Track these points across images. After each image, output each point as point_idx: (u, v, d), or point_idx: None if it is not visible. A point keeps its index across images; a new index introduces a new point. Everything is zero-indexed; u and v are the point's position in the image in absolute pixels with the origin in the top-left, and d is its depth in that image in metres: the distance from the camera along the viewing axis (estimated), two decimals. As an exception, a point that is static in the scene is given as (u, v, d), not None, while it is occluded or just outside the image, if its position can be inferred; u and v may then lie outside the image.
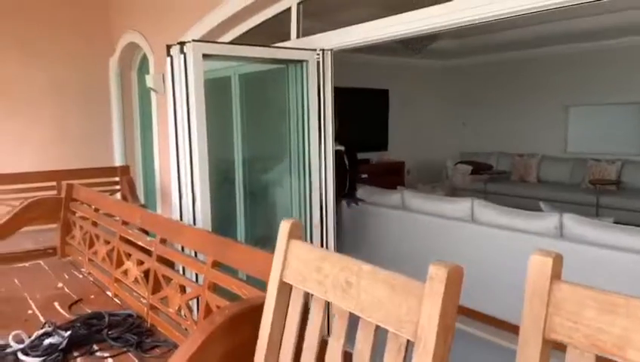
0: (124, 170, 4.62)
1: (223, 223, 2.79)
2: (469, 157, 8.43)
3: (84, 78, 5.61)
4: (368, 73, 7.80)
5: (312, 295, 1.10)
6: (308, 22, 3.26)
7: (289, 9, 3.11)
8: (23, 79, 5.24)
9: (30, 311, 2.26)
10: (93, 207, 2.91)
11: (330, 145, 3.09)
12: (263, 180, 3.46)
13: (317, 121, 3.08)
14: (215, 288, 1.70)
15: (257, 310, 1.20)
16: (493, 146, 8.32)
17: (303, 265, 1.13)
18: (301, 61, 2.97)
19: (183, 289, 1.87)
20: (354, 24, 2.76)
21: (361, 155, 7.94)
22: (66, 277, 2.80)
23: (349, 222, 4.31)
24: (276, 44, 3.11)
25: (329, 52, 2.96)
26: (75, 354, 1.82)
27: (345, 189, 4.24)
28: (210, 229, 2.46)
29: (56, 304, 2.34)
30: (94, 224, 2.83)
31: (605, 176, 6.75)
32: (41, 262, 3.11)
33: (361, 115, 7.92)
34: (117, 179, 4.63)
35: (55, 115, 5.45)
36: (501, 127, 8.24)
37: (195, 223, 2.50)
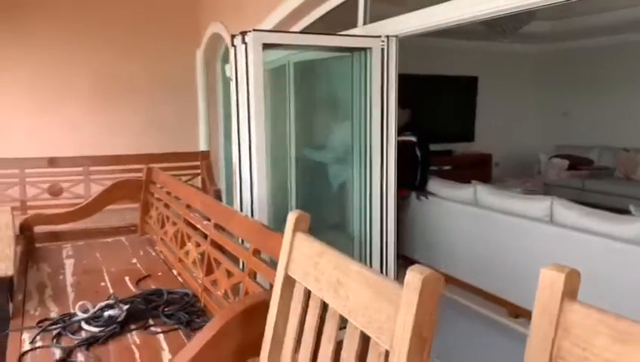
0: (205, 156, 4.85)
1: (280, 212, 2.82)
2: (566, 150, 7.75)
3: (175, 69, 5.96)
4: (456, 59, 7.44)
5: (310, 291, 1.06)
6: (385, 6, 3.14)
7: (357, -5, 3.03)
8: (124, 71, 5.70)
9: (103, 284, 2.46)
10: (165, 189, 3.09)
11: (392, 137, 2.97)
12: (320, 171, 3.44)
13: (379, 112, 2.94)
14: (256, 275, 1.73)
15: (264, 304, 1.18)
16: (595, 139, 7.58)
17: (305, 260, 1.09)
18: (365, 49, 2.86)
19: (229, 273, 1.92)
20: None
21: (443, 146, 7.70)
22: (141, 253, 3.00)
23: (419, 215, 4.17)
24: (342, 32, 3.05)
25: (394, 38, 2.81)
26: (132, 326, 1.94)
27: (416, 182, 4.10)
28: (265, 216, 2.50)
29: (126, 278, 2.52)
30: (166, 206, 3.01)
31: None
32: (122, 238, 3.38)
33: (446, 103, 7.61)
34: (198, 163, 4.88)
35: (149, 103, 5.85)
36: (605, 117, 7.47)
37: (252, 209, 2.55)
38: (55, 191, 4.44)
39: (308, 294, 1.12)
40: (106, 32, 5.52)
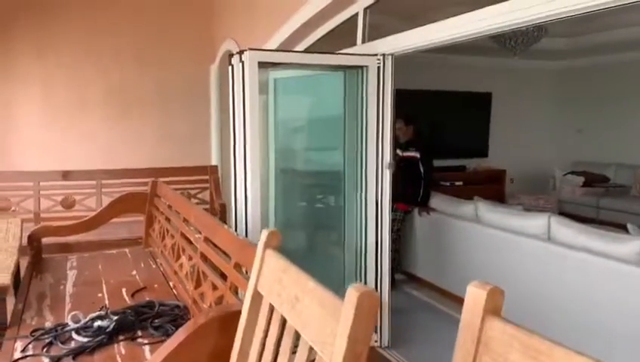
0: (213, 170, 4.93)
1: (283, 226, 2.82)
2: (582, 167, 7.63)
3: (189, 83, 6.09)
4: (470, 75, 7.43)
5: (274, 306, 1.08)
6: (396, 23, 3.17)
7: (356, 14, 3.08)
8: (137, 84, 5.84)
9: (100, 295, 2.51)
10: (167, 203, 3.15)
11: (388, 153, 2.99)
12: (319, 188, 3.46)
13: (375, 128, 2.97)
14: (237, 289, 1.75)
15: (238, 316, 1.20)
16: (612, 156, 7.44)
17: (271, 275, 1.12)
18: (361, 67, 2.91)
19: (214, 286, 1.95)
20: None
21: (456, 162, 7.66)
22: (142, 266, 3.06)
23: (421, 231, 4.15)
24: (340, 51, 3.10)
25: (390, 57, 2.87)
26: (120, 337, 1.98)
27: (418, 198, 4.09)
28: (259, 230, 2.53)
29: (123, 290, 2.57)
30: (167, 219, 3.07)
31: None
32: (126, 250, 3.45)
33: (460, 119, 7.58)
34: (207, 177, 4.96)
35: (163, 117, 5.98)
36: (622, 134, 7.33)
37: (246, 223, 2.59)
38: (68, 204, 4.56)
39: (272, 309, 1.14)
40: (120, 46, 5.69)
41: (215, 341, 1.21)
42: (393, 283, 4.24)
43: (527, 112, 8.02)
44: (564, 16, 1.87)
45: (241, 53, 2.49)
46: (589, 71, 7.64)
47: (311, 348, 0.93)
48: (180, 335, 1.20)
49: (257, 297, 1.16)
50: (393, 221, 4.17)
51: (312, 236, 3.51)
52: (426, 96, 7.11)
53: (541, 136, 8.10)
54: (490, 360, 0.68)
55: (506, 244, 3.25)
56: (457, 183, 7.11)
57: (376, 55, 2.88)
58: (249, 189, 2.53)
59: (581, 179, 7.23)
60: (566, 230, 2.89)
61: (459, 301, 3.71)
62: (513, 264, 3.18)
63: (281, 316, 1.05)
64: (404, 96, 6.81)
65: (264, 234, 1.19)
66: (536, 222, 3.05)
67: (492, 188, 7.39)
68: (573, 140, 8.01)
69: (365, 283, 3.08)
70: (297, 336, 0.98)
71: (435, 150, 7.04)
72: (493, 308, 0.71)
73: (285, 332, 1.01)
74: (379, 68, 2.88)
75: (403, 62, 2.98)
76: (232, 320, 1.23)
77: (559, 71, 8.01)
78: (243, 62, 2.46)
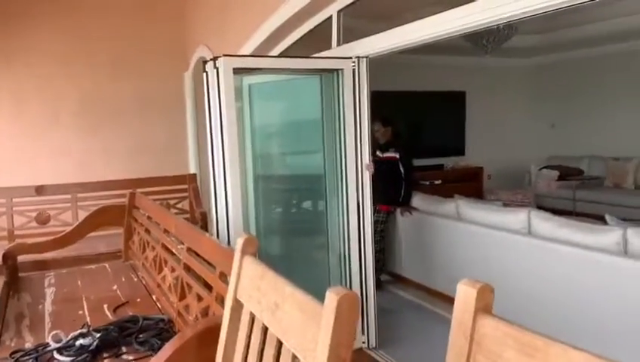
0: (192, 178, 4.87)
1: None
2: (557, 161, 7.79)
3: (164, 91, 6.02)
4: (443, 75, 7.53)
5: (254, 315, 1.06)
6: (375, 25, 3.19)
7: (330, 17, 3.09)
8: (111, 94, 5.74)
9: (80, 312, 2.45)
10: (146, 214, 3.09)
11: (366, 154, 3.01)
12: (302, 192, 3.45)
13: (353, 129, 2.97)
14: (223, 299, 1.72)
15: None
16: (585, 149, 7.62)
17: (250, 283, 1.10)
18: (336, 70, 2.92)
19: (199, 297, 1.92)
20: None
21: (434, 161, 7.74)
22: (123, 280, 2.99)
23: (404, 231, 4.17)
24: (316, 54, 3.10)
25: (364, 59, 2.89)
26: (105, 355, 1.93)
27: (400, 198, 4.11)
28: (242, 237, 2.50)
29: (105, 306, 2.51)
30: (147, 231, 3.01)
31: None
32: (106, 264, 3.37)
33: (435, 118, 7.67)
34: (186, 186, 4.89)
35: (138, 127, 5.89)
36: (594, 128, 7.52)
37: (228, 230, 2.56)
38: (42, 220, 4.44)
39: (253, 317, 1.12)
40: (92, 56, 5.59)
41: (204, 353, 1.19)
42: (379, 284, 4.24)
43: (502, 109, 8.16)
44: (532, 14, 1.91)
45: (215, 59, 2.47)
46: (560, 66, 7.81)
47: (294, 356, 0.91)
48: (167, 350, 1.17)
49: (237, 306, 1.14)
50: (376, 222, 4.19)
51: (296, 240, 3.49)
52: (402, 96, 7.17)
53: (516, 132, 8.25)
54: (484, 359, 0.68)
55: (487, 240, 3.29)
56: (436, 182, 7.18)
57: (350, 58, 2.89)
58: (229, 196, 2.50)
59: (556, 173, 7.37)
60: (546, 224, 2.94)
61: (445, 299, 3.75)
62: (496, 259, 3.22)
63: (262, 324, 1.03)
64: (381, 97, 6.88)
65: (240, 240, 1.17)
66: (517, 217, 3.10)
67: (470, 185, 7.49)
68: (547, 135, 8.18)
69: (350, 285, 3.08)
70: (280, 344, 0.96)
71: (414, 150, 7.14)
72: (484, 305, 0.70)
73: (267, 341, 0.99)
74: (354, 70, 2.89)
75: (379, 64, 3.01)
76: (219, 332, 1.21)
77: (531, 67, 8.18)
78: (217, 69, 2.44)
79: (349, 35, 3.12)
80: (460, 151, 7.99)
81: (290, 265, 3.22)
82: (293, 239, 3.46)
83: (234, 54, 2.82)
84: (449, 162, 7.84)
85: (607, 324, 2.60)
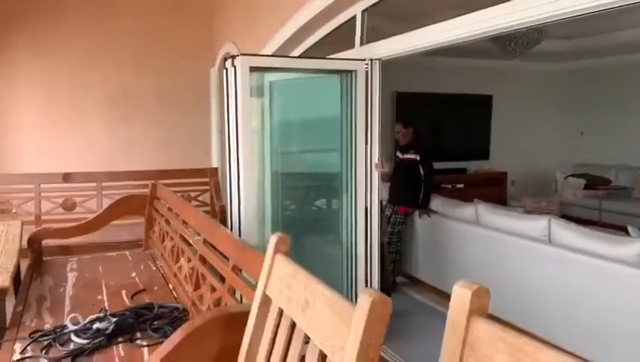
0: (213, 172, 4.94)
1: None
2: (584, 169, 7.62)
3: (189, 87, 6.12)
4: (471, 78, 7.44)
5: (283, 310, 1.09)
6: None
7: (355, 17, 3.10)
8: (137, 88, 5.87)
9: (99, 297, 2.52)
10: (167, 205, 3.16)
11: (376, 154, 3.06)
12: (318, 189, 3.48)
13: (364, 129, 3.03)
14: (235, 291, 1.76)
15: (236, 318, 1.21)
16: (613, 159, 7.42)
17: (280, 280, 1.13)
18: (350, 71, 2.98)
19: (213, 288, 1.96)
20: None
21: (457, 164, 7.66)
22: (142, 268, 3.07)
23: (422, 234, 4.15)
24: (333, 55, 3.13)
25: (377, 61, 2.94)
26: (120, 339, 1.99)
27: (419, 200, 4.09)
28: (254, 230, 2.57)
29: (123, 292, 2.58)
30: (167, 221, 3.08)
31: None
32: (127, 252, 3.46)
33: (460, 121, 7.58)
34: (207, 179, 4.97)
35: (163, 120, 6.01)
36: (623, 137, 7.32)
37: (240, 222, 2.61)
38: (68, 206, 4.57)
39: (281, 313, 1.15)
40: (118, 52, 5.73)
41: (213, 342, 1.22)
42: (394, 286, 4.24)
43: (529, 115, 8.02)
44: (560, 18, 1.88)
45: (233, 58, 2.53)
46: (590, 73, 7.63)
47: (321, 352, 0.94)
48: (177, 337, 1.20)
49: (266, 301, 1.17)
50: (394, 223, 4.19)
51: (312, 237, 3.53)
52: (427, 98, 7.12)
53: (542, 139, 8.10)
54: None
55: (506, 246, 3.25)
56: (458, 186, 7.11)
57: (364, 60, 2.95)
58: (242, 191, 2.56)
59: (582, 182, 7.21)
60: (566, 232, 2.89)
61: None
62: (514, 266, 3.18)
63: (291, 320, 1.07)
64: (407, 98, 6.91)
65: (273, 238, 1.20)
66: (537, 225, 3.05)
67: (493, 190, 7.39)
68: (575, 142, 8.00)
69: (356, 279, 3.16)
70: (307, 340, 0.99)
71: (437, 152, 7.09)
72: (479, 307, 0.71)
73: (294, 336, 1.03)
74: (367, 72, 2.95)
75: (404, 65, 3.03)
76: (229, 322, 1.24)
77: (560, 73, 8.01)
78: (235, 67, 2.51)
79: (377, 35, 3.13)
80: (484, 155, 7.88)
81: (306, 260, 3.25)
82: (309, 235, 3.50)
83: (251, 54, 2.89)
84: (472, 166, 7.74)
85: (623, 334, 2.55)
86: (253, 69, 2.53)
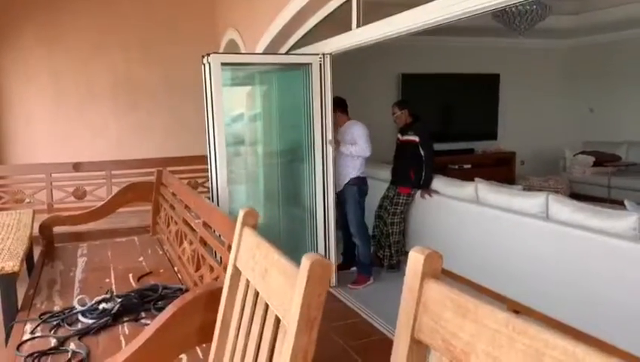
0: (219, 158, 5.00)
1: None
2: (593, 146, 7.54)
3: (195, 73, 6.11)
4: (477, 57, 7.38)
5: (249, 281, 1.14)
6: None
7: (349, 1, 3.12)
8: (144, 76, 5.94)
9: (107, 280, 2.62)
10: (171, 191, 3.24)
11: (329, 134, 3.78)
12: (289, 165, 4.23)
13: (320, 115, 3.67)
14: (230, 269, 1.83)
15: (222, 291, 1.27)
16: (623, 135, 7.33)
17: (247, 252, 1.18)
18: (307, 64, 3.59)
19: (212, 268, 2.03)
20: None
21: (465, 145, 7.63)
22: (149, 252, 3.16)
23: (423, 213, 4.18)
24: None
25: (328, 56, 3.54)
26: (125, 319, 2.08)
27: (420, 181, 4.11)
28: (226, 200, 2.84)
29: (130, 275, 2.67)
30: (172, 207, 3.16)
31: None
32: (135, 238, 3.55)
33: (467, 101, 7.53)
34: (212, 166, 5.04)
35: (171, 106, 6.07)
36: (633, 113, 7.22)
37: (217, 193, 3.09)
38: (79, 195, 4.69)
39: (248, 283, 1.21)
40: (125, 40, 5.78)
41: (202, 315, 1.29)
42: (398, 266, 4.30)
43: (536, 93, 7.93)
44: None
45: (207, 55, 2.97)
46: (598, 49, 7.51)
47: (277, 317, 0.99)
48: (169, 311, 1.27)
49: (236, 273, 1.22)
50: (396, 205, 4.22)
51: (286, 205, 4.28)
52: (433, 79, 7.08)
53: (551, 117, 8.02)
54: (428, 319, 0.74)
55: (505, 224, 3.27)
56: (466, 166, 7.10)
57: (318, 54, 3.54)
58: (218, 171, 2.80)
59: (592, 159, 7.15)
60: (563, 208, 2.90)
61: (458, 280, 3.76)
62: (513, 243, 3.21)
63: (255, 289, 1.12)
64: (412, 79, 6.88)
65: (241, 213, 1.25)
66: (535, 201, 3.07)
67: (501, 170, 7.36)
68: (584, 120, 7.91)
69: (316, 239, 3.94)
70: (267, 307, 1.04)
71: (443, 133, 7.07)
72: (432, 271, 0.76)
73: (257, 304, 1.08)
74: (320, 65, 3.55)
75: (409, 46, 3.20)
76: (217, 296, 1.30)
77: (568, 49, 7.90)
78: (209, 64, 2.72)
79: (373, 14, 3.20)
80: (492, 135, 7.84)
81: (280, 227, 4.20)
82: (284, 203, 4.28)
83: (221, 52, 3.21)
84: (480, 146, 7.71)
85: (620, 308, 2.58)
86: (225, 65, 3.04)
